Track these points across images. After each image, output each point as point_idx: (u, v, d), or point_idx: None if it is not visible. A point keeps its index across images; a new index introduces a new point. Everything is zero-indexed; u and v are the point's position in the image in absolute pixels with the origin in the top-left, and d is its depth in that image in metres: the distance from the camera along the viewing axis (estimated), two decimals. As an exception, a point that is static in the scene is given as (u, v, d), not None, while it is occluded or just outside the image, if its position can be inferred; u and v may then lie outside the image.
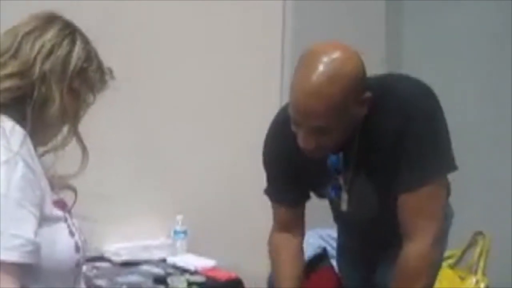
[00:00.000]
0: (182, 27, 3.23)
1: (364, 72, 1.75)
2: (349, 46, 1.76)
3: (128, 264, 2.90)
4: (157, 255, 3.03)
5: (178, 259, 2.99)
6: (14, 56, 1.25)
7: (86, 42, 1.35)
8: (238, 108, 3.39)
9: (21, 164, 1.16)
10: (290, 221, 2.06)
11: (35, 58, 1.25)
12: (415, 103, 1.78)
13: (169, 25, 3.19)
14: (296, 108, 1.73)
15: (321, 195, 2.04)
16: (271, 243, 2.10)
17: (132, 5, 3.03)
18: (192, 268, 2.88)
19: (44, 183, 1.23)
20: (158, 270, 2.87)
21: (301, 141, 1.76)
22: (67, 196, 1.35)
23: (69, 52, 1.29)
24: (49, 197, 1.24)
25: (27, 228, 1.14)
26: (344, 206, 1.94)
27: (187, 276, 2.77)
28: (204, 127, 3.32)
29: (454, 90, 3.45)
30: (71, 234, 1.27)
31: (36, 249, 1.15)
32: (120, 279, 2.71)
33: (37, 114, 1.24)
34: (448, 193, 2.02)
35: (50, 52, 1.27)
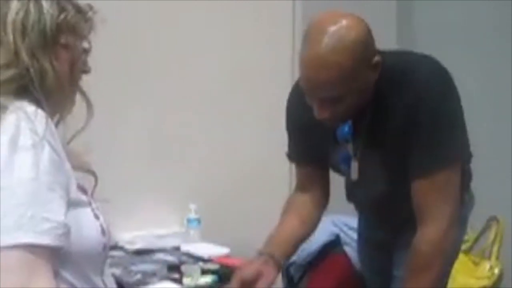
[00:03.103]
0: (192, 26, 3.23)
1: (371, 37, 1.76)
2: (352, 13, 1.77)
3: (142, 253, 2.91)
4: (170, 243, 3.04)
5: (191, 247, 2.99)
6: None
7: None
8: (249, 101, 3.39)
9: (47, 148, 1.14)
10: (309, 181, 2.06)
11: (15, 43, 1.21)
12: (430, 83, 1.78)
13: (180, 23, 3.20)
14: (307, 82, 1.75)
15: (332, 166, 2.04)
16: (286, 201, 2.11)
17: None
18: (205, 256, 2.88)
19: (68, 166, 1.22)
20: (172, 258, 2.88)
21: (317, 112, 1.77)
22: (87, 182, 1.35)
23: (40, 16, 1.23)
24: (74, 181, 1.24)
25: (58, 211, 1.14)
26: (354, 175, 1.93)
27: (201, 264, 2.77)
28: (217, 116, 3.32)
29: (467, 83, 3.45)
30: (96, 217, 1.27)
31: (67, 232, 1.14)
32: (134, 268, 2.72)
33: (43, 93, 1.22)
34: (469, 179, 2.03)
35: (24, 27, 1.22)
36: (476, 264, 3.23)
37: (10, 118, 1.15)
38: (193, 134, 3.26)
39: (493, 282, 3.18)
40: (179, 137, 3.22)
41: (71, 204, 1.19)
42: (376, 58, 1.76)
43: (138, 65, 3.06)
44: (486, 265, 3.20)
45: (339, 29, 1.69)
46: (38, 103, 1.20)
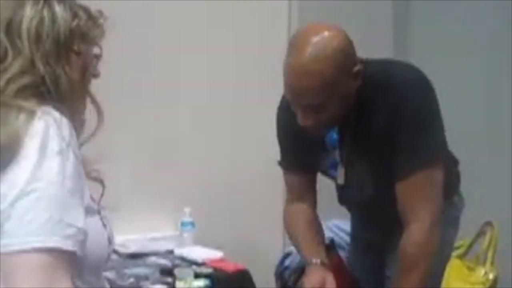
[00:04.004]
0: (187, 28, 3.24)
1: (352, 47, 1.84)
2: (334, 24, 1.86)
3: (135, 256, 2.91)
4: (164, 246, 3.03)
5: (185, 250, 2.99)
6: (13, 53, 1.20)
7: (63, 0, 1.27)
8: (243, 103, 3.39)
9: (72, 155, 1.15)
10: (303, 188, 2.10)
11: (31, 51, 1.20)
12: (412, 86, 1.87)
13: (175, 26, 3.20)
14: (290, 90, 1.83)
15: (322, 171, 2.09)
16: (287, 215, 2.14)
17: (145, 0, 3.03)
18: (199, 259, 2.88)
19: (83, 174, 1.23)
20: (165, 262, 2.87)
21: (300, 119, 1.84)
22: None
23: (54, 23, 1.22)
24: (87, 189, 1.24)
25: (79, 217, 1.14)
26: (340, 180, 2.00)
27: (194, 267, 2.76)
28: (211, 119, 3.32)
29: (462, 88, 3.45)
30: (104, 226, 1.28)
31: (85, 239, 1.15)
32: (128, 271, 2.71)
33: (57, 98, 1.21)
34: (458, 180, 2.08)
35: (39, 35, 1.21)
36: (471, 269, 3.22)
37: (40, 123, 1.15)
38: (187, 137, 3.25)
39: (488, 287, 3.18)
40: (173, 140, 3.21)
41: (85, 211, 1.19)
42: (357, 67, 1.83)
43: (132, 71, 3.05)
44: (481, 271, 3.19)
45: (321, 39, 1.78)
46: (56, 109, 1.20)
